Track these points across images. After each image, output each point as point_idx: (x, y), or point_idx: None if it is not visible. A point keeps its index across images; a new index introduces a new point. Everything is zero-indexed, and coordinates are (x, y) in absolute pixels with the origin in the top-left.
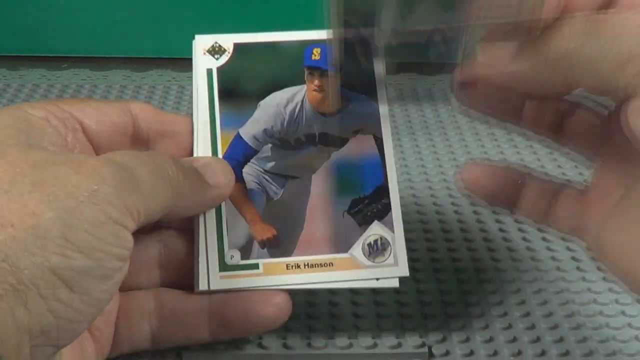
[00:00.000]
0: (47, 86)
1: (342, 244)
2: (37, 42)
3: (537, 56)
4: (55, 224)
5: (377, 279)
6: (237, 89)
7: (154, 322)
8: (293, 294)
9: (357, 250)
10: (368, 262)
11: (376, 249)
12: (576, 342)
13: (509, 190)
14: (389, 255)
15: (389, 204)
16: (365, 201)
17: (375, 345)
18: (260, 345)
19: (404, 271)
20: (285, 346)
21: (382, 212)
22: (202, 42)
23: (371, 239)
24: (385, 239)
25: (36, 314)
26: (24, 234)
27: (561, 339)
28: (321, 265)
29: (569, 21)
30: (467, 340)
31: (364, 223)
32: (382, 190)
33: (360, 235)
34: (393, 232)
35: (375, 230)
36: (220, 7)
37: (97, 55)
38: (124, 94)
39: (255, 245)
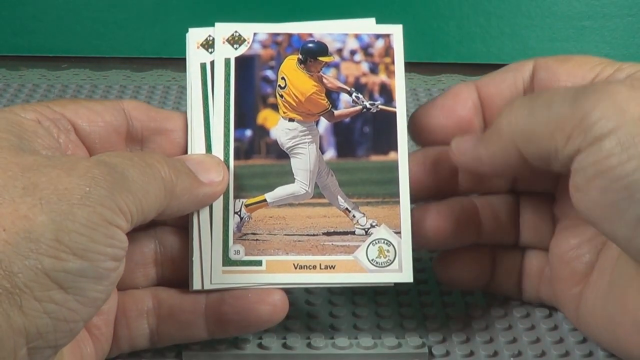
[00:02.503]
0: (47, 86)
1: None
2: (37, 42)
3: (490, 138)
4: (48, 227)
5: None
6: None
7: (153, 320)
8: (293, 294)
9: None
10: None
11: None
12: (576, 343)
13: (483, 278)
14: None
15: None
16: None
17: (375, 346)
18: (261, 346)
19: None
20: (285, 346)
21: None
22: (194, 36)
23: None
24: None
25: (32, 316)
26: (16, 237)
27: (561, 340)
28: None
29: (512, 102)
30: (467, 340)
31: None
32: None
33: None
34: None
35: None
36: (221, 7)
37: (97, 55)
38: (124, 94)
39: None
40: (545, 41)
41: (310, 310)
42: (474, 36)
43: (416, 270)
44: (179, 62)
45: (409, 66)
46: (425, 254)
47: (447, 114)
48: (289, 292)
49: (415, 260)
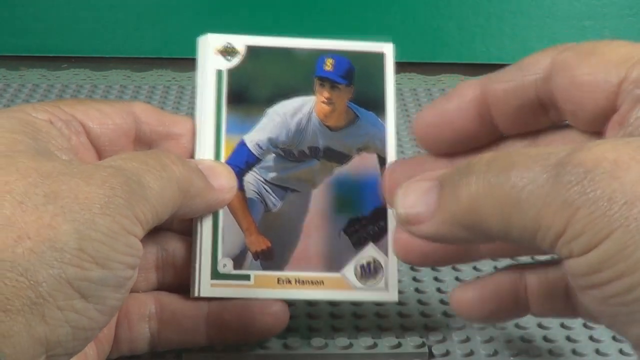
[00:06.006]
0: (47, 86)
1: (335, 263)
2: (37, 42)
3: (446, 209)
4: (72, 236)
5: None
6: (245, 93)
7: (154, 324)
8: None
9: (349, 271)
10: (359, 284)
11: (368, 272)
12: (576, 342)
13: (508, 304)
14: (380, 279)
15: (386, 226)
16: (362, 222)
17: (375, 345)
18: (261, 346)
19: (393, 297)
20: (285, 346)
21: (378, 235)
22: (212, 41)
23: (364, 261)
24: (379, 263)
25: (54, 326)
26: (41, 246)
27: (561, 339)
28: (312, 282)
29: (457, 176)
30: (467, 340)
31: (359, 244)
32: (381, 212)
33: (354, 256)
34: (387, 256)
35: (370, 252)
36: (220, 7)
37: (97, 55)
38: (124, 94)
39: (249, 256)
40: (545, 41)
41: (310, 310)
42: (474, 36)
43: (414, 269)
44: (179, 62)
45: (409, 66)
46: None
47: (440, 119)
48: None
49: None
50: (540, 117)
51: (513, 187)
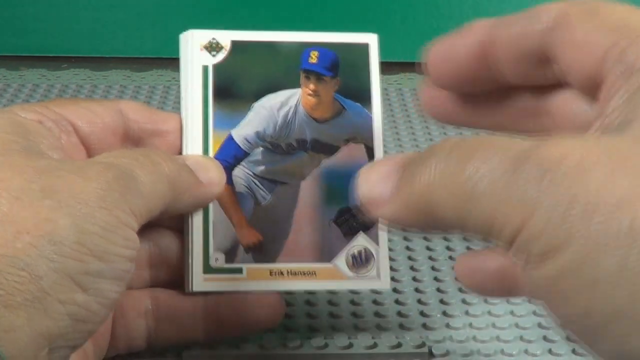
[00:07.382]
0: (47, 86)
1: (326, 253)
2: (37, 42)
3: (403, 194)
4: (71, 230)
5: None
6: (231, 88)
7: (151, 321)
8: (293, 294)
9: (340, 261)
10: (350, 273)
11: (360, 261)
12: (567, 339)
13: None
14: (372, 268)
15: None
16: (352, 211)
17: (375, 345)
18: (261, 346)
19: (386, 285)
20: (285, 346)
21: (368, 224)
22: (197, 37)
23: (355, 250)
24: (370, 251)
25: (55, 319)
26: (41, 240)
27: (563, 339)
28: (304, 273)
29: (428, 159)
30: (467, 340)
31: (350, 233)
32: None
33: (345, 245)
34: (378, 244)
35: (360, 241)
36: (220, 7)
37: (97, 55)
38: (124, 94)
39: (240, 250)
40: None
41: (310, 310)
42: None
43: (413, 268)
44: (179, 62)
45: (409, 66)
46: (421, 252)
47: (449, 53)
48: (289, 292)
49: (412, 259)
50: (543, 71)
51: (468, 179)
